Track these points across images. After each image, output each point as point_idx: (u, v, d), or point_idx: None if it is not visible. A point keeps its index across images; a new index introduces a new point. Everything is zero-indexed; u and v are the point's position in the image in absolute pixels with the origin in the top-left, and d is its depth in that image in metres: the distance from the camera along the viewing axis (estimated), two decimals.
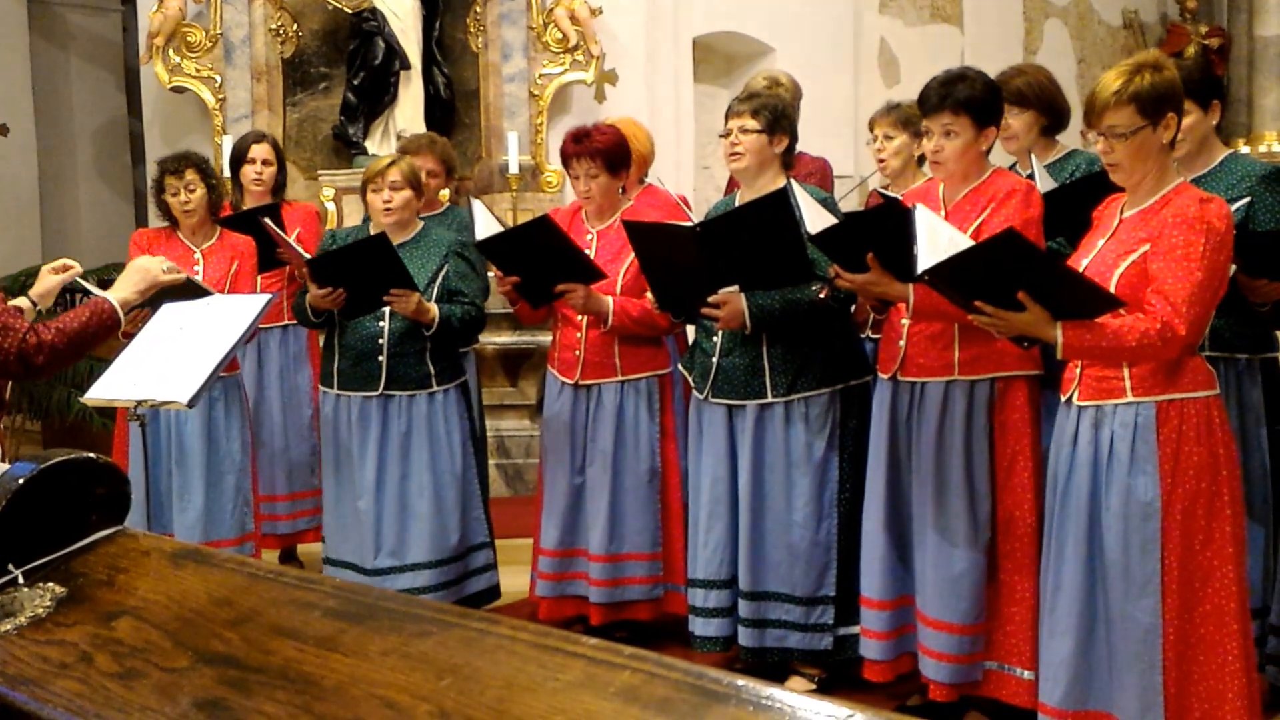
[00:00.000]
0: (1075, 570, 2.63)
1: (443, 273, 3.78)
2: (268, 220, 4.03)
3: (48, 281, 3.02)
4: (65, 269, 3.03)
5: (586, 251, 3.62)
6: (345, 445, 3.82)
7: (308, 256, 3.82)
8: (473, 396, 4.31)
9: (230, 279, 4.05)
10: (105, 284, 3.75)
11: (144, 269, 2.88)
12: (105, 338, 2.71)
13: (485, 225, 3.60)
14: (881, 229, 2.91)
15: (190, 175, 4.02)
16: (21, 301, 2.96)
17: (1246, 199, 3.00)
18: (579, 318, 3.71)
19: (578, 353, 3.75)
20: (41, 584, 1.40)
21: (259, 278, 4.49)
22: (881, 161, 3.84)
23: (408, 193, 3.77)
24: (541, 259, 3.52)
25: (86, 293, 2.83)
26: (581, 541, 3.79)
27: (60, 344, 2.57)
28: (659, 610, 3.81)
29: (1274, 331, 3.17)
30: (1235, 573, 2.54)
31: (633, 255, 3.50)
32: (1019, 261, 2.49)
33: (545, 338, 4.05)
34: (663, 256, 3.29)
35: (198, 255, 4.08)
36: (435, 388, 3.80)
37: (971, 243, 2.62)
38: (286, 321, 4.59)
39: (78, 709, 1.19)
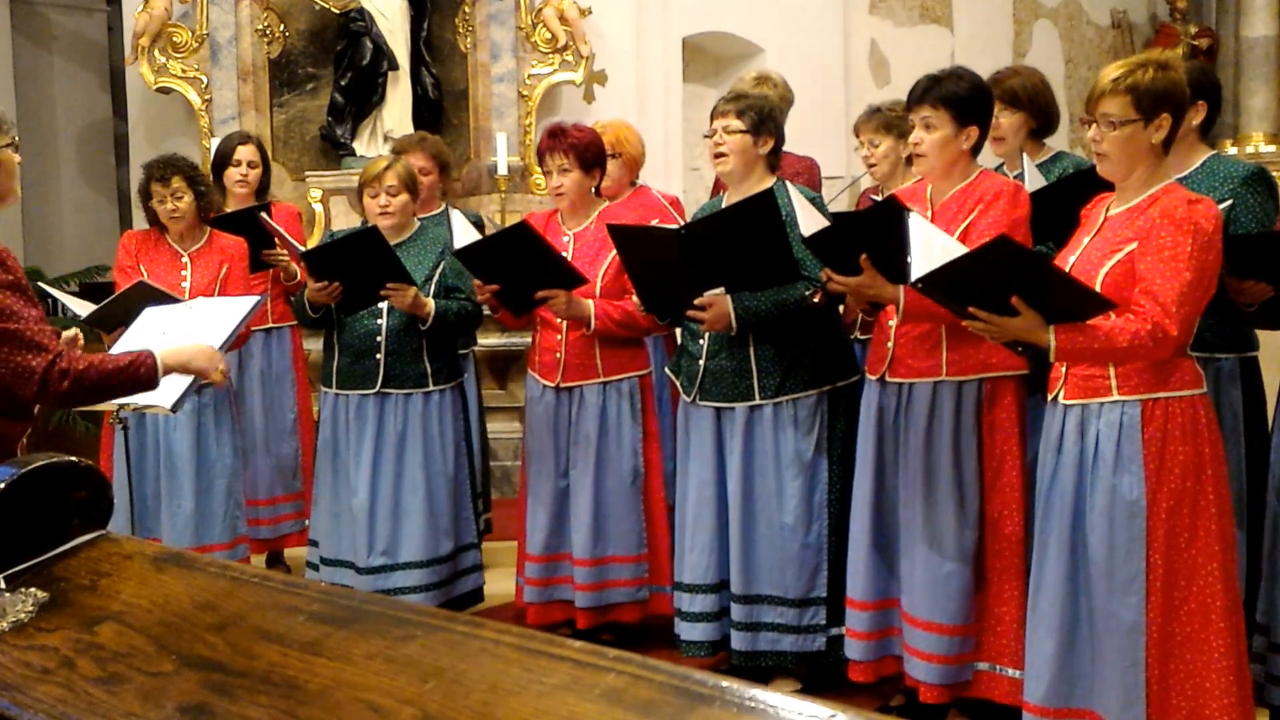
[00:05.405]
0: (1059, 568, 2.64)
1: (439, 270, 3.80)
2: (265, 215, 4.00)
3: None
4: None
5: (565, 255, 3.61)
6: (342, 443, 3.83)
7: (302, 249, 3.82)
8: (471, 399, 4.31)
9: (220, 282, 4.02)
10: (90, 287, 3.73)
11: (209, 357, 2.79)
12: (131, 391, 2.57)
13: (463, 234, 3.60)
14: (872, 230, 2.91)
15: (177, 183, 3.95)
16: (68, 332, 2.83)
17: (1229, 201, 3.00)
18: (559, 321, 3.71)
19: (559, 355, 3.74)
20: (23, 589, 1.39)
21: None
22: (872, 166, 3.85)
23: (405, 196, 3.80)
24: (521, 266, 3.51)
25: (53, 299, 2.63)
26: (567, 545, 3.78)
27: (89, 377, 2.42)
28: (644, 612, 3.80)
29: (1254, 332, 3.18)
30: (1221, 570, 2.54)
31: (612, 256, 3.50)
32: (1012, 267, 2.49)
33: None
34: (647, 260, 3.28)
35: (185, 259, 4.04)
36: (432, 387, 3.82)
37: (965, 250, 2.62)
38: (271, 325, 4.57)
39: (60, 715, 1.19)
